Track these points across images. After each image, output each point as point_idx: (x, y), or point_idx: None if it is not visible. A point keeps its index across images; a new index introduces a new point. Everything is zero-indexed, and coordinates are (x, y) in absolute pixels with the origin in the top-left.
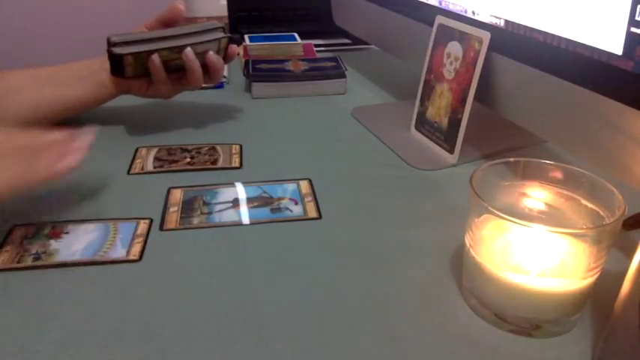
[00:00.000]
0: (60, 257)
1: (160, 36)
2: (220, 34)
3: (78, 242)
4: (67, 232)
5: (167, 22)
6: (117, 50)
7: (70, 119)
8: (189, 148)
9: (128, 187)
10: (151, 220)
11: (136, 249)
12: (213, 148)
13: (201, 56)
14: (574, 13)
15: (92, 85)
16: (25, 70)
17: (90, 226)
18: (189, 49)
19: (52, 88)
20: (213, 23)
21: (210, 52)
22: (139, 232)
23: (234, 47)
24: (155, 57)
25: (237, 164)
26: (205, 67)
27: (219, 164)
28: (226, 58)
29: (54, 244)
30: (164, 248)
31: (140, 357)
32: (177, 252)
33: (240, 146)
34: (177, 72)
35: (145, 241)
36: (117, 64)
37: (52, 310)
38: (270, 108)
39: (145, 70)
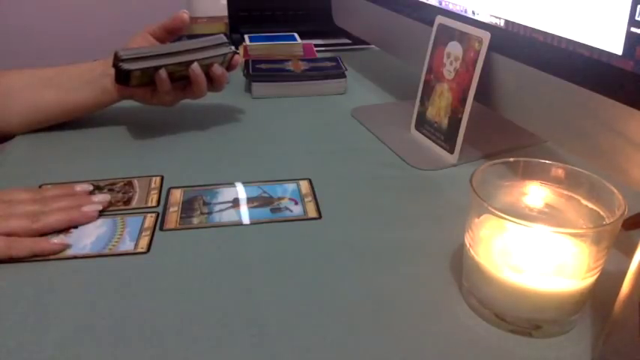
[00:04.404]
0: (71, 251)
1: (167, 52)
2: (227, 50)
3: (87, 237)
4: (75, 227)
5: (171, 31)
6: (125, 66)
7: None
8: (102, 184)
9: None
10: (158, 214)
11: (144, 242)
12: (129, 184)
13: (205, 68)
14: (574, 13)
15: (95, 91)
16: (25, 70)
17: (98, 221)
18: (195, 64)
19: (54, 91)
20: (220, 37)
21: (216, 65)
22: (146, 225)
23: (237, 57)
24: (162, 71)
25: (154, 203)
26: (208, 76)
27: (134, 204)
28: (229, 68)
29: (64, 239)
30: (164, 248)
31: (139, 356)
32: (177, 252)
33: (162, 178)
34: (180, 81)
35: (152, 234)
36: (123, 76)
37: (56, 305)
38: (270, 108)
39: (149, 80)
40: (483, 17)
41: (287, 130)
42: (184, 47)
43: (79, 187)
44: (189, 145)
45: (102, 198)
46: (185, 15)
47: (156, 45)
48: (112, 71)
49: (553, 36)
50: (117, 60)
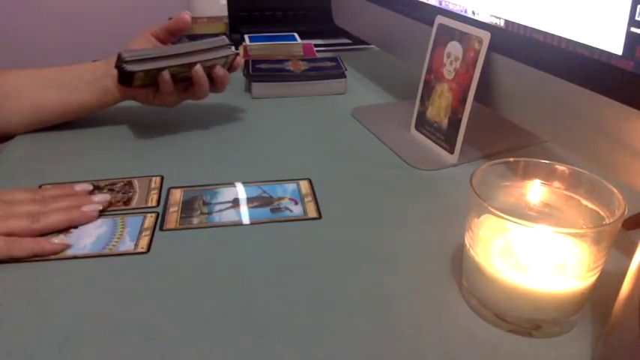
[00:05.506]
0: (71, 251)
1: (171, 53)
2: (229, 52)
3: (87, 237)
4: (75, 227)
5: (173, 32)
6: (128, 67)
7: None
8: (102, 184)
9: None
10: (158, 214)
11: (144, 242)
12: (129, 184)
13: (207, 69)
14: (574, 13)
15: (97, 91)
16: (26, 70)
17: (98, 221)
18: (198, 66)
19: (56, 91)
20: (222, 39)
21: (218, 67)
22: (145, 225)
23: (238, 59)
24: (165, 73)
25: (154, 203)
26: (210, 77)
27: (134, 204)
28: (231, 69)
29: (64, 239)
30: (164, 248)
31: (139, 357)
32: (177, 252)
33: (162, 178)
34: (182, 82)
35: (152, 234)
36: (126, 77)
37: (56, 305)
38: (270, 108)
39: (152, 81)
40: (483, 17)
41: (287, 130)
42: (187, 49)
43: (78, 187)
44: (189, 145)
45: (102, 198)
46: (187, 16)
47: (158, 46)
48: (114, 72)
49: (553, 36)
50: (120, 61)
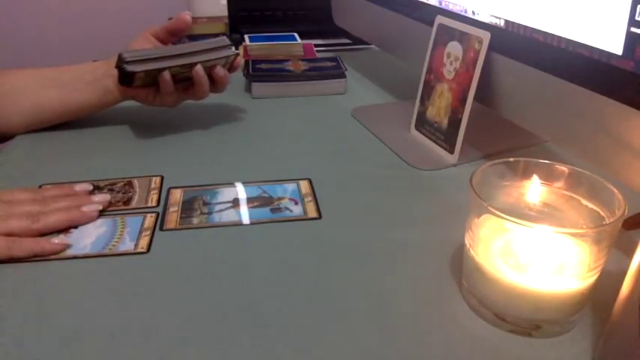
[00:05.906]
0: (71, 251)
1: (172, 54)
2: (230, 52)
3: (87, 237)
4: (75, 227)
5: (173, 32)
6: (129, 68)
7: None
8: (102, 184)
9: None
10: (158, 214)
11: (144, 242)
12: (129, 184)
13: (208, 69)
14: (574, 13)
15: (97, 91)
16: (26, 69)
17: (98, 221)
18: (199, 66)
19: (56, 91)
20: (223, 40)
21: (218, 67)
22: (145, 225)
23: (239, 59)
24: (166, 73)
25: (154, 203)
26: (211, 77)
27: (134, 204)
28: (231, 69)
29: (64, 239)
30: (164, 248)
31: (139, 357)
32: (177, 252)
33: (162, 178)
34: (183, 82)
35: (152, 234)
36: (126, 77)
37: (56, 305)
38: (270, 108)
39: (152, 81)
40: (483, 17)
41: (287, 130)
42: (188, 49)
43: (78, 187)
44: (189, 145)
45: (102, 198)
46: (187, 17)
47: (159, 47)
48: (114, 72)
49: (553, 36)
50: (120, 61)
